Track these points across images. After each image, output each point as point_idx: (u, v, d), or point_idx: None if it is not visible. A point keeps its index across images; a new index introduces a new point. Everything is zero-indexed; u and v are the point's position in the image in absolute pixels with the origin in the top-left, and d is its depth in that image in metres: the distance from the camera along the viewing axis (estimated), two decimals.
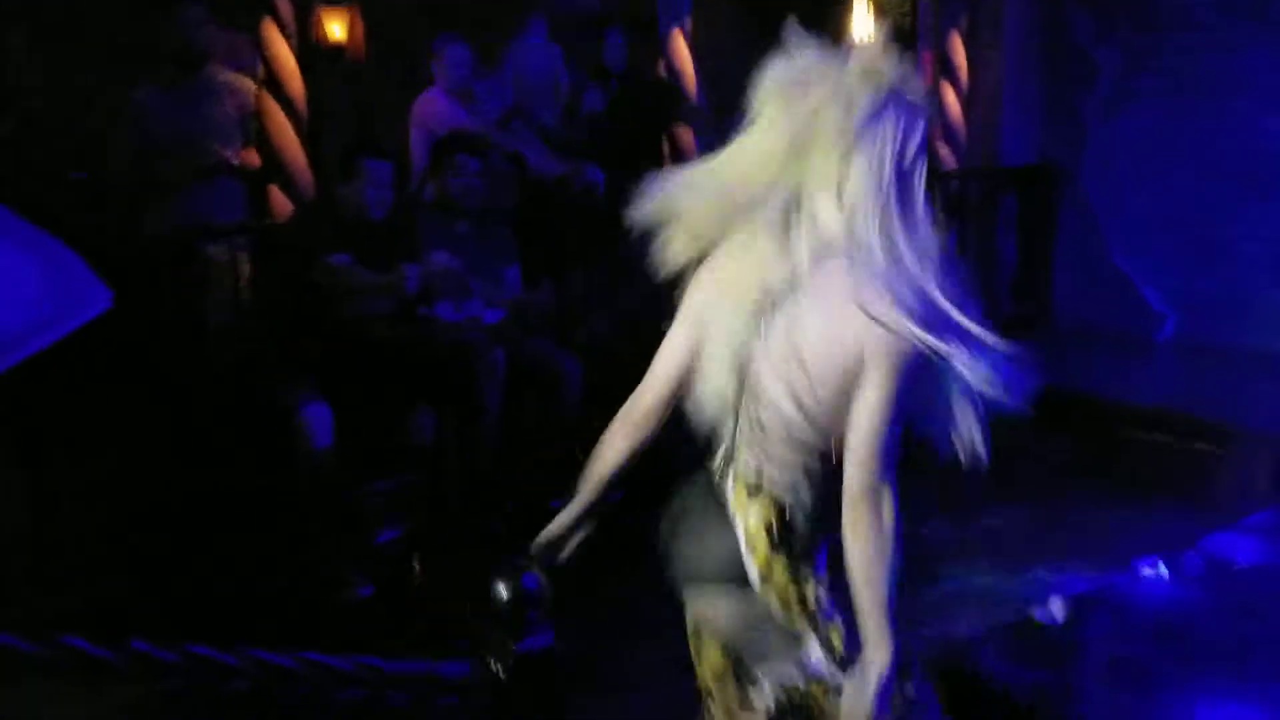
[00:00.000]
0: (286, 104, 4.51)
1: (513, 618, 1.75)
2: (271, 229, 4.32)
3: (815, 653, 1.78)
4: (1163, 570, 3.02)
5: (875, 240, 1.63)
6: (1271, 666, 2.81)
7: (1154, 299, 6.06)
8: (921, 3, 6.55)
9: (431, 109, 4.94)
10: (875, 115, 1.65)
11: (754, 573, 1.77)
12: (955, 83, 6.30)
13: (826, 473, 1.73)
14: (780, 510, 1.76)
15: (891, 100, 1.67)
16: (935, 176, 6.19)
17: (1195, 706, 2.68)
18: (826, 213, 1.66)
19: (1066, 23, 6.48)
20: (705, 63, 5.82)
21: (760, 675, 1.85)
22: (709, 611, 1.86)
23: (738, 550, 1.78)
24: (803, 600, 1.77)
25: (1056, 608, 2.85)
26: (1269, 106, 5.69)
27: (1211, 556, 3.25)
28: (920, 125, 1.69)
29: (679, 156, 5.53)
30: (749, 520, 1.78)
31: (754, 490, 1.78)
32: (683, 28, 5.85)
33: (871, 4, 6.87)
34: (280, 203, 4.43)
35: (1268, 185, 5.72)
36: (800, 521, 1.76)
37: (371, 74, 5.60)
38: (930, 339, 1.62)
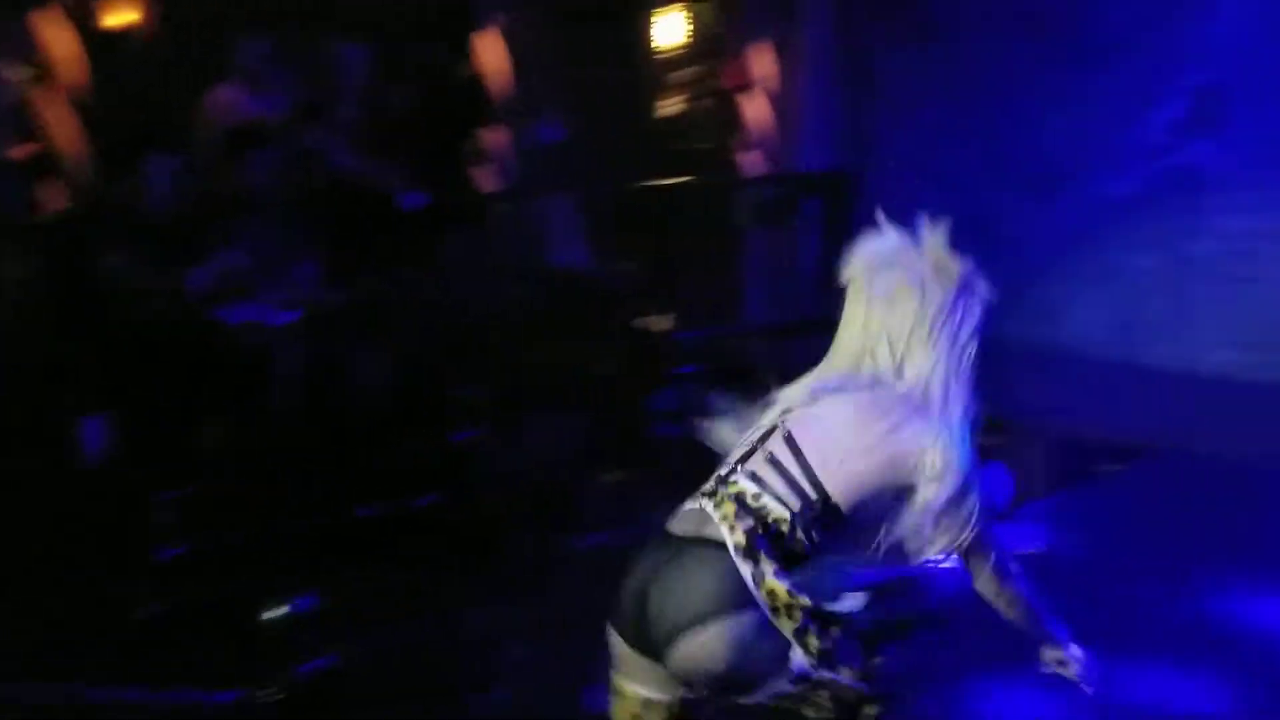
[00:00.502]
0: (65, 94, 4.26)
1: (290, 639, 1.68)
2: (46, 226, 4.06)
3: (798, 657, 1.91)
4: (948, 560, 3.16)
5: (937, 394, 2.04)
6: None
7: None
8: (727, 12, 6.71)
9: (224, 101, 4.75)
10: (948, 306, 2.08)
11: (749, 578, 1.89)
12: (760, 91, 6.47)
13: (815, 516, 1.96)
14: (766, 526, 1.94)
15: (961, 292, 2.10)
16: (740, 183, 6.44)
17: (980, 690, 2.83)
18: (887, 361, 2.07)
19: (859, 31, 6.75)
20: (520, 63, 5.79)
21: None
22: (703, 650, 1.90)
23: (729, 569, 1.90)
24: (789, 605, 1.90)
25: (851, 599, 2.95)
26: (1046, 110, 6.07)
27: None
28: (978, 312, 2.12)
29: (489, 157, 5.49)
30: (737, 532, 1.93)
31: (743, 510, 1.96)
32: (497, 27, 5.80)
33: (684, 11, 7.00)
34: (56, 198, 4.16)
35: (1045, 185, 6.12)
36: (783, 542, 1.95)
37: (160, 63, 5.31)
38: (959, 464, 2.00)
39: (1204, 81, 5.61)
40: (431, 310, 4.70)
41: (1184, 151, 5.73)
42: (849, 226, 7.07)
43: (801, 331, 6.17)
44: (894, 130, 6.52)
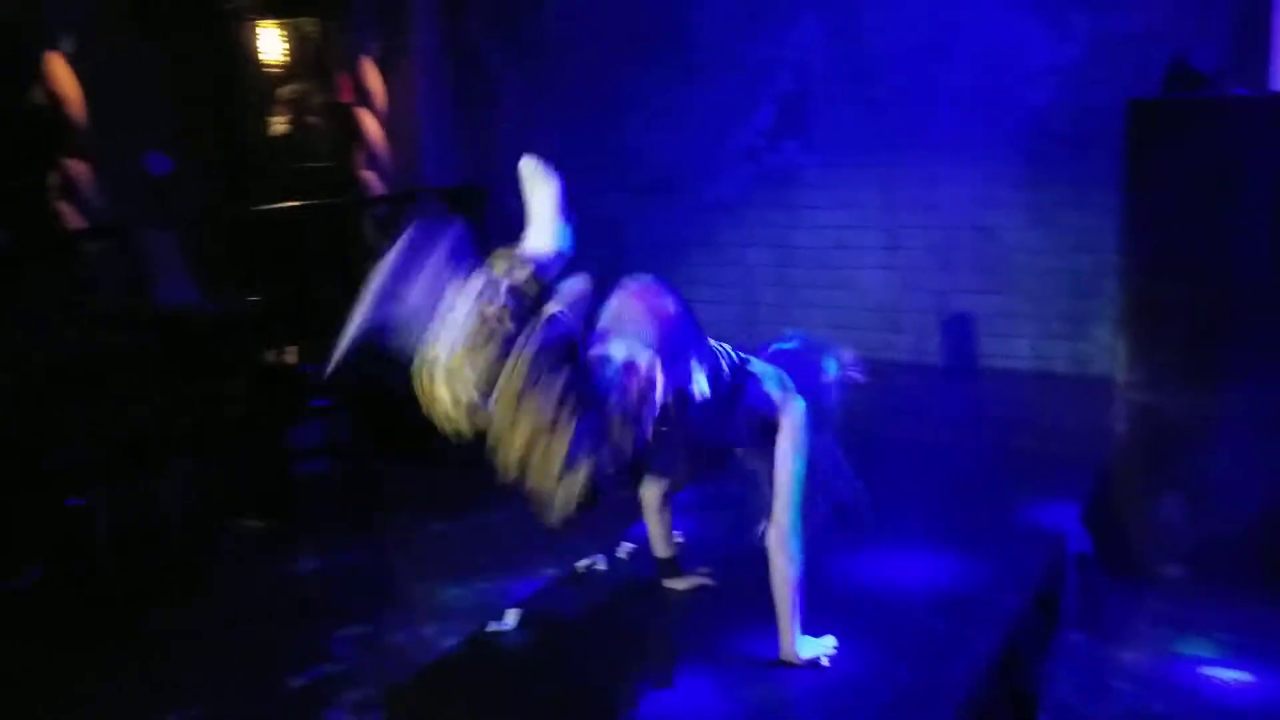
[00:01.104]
0: None
1: None
2: None
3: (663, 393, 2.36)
4: (600, 563, 3.19)
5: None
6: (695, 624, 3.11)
7: None
8: (331, 27, 6.49)
9: None
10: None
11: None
12: (373, 108, 6.32)
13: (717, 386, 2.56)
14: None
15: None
16: (363, 202, 6.24)
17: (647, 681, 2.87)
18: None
19: (473, 51, 6.81)
20: (104, 86, 5.28)
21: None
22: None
23: None
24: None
25: (509, 616, 2.91)
26: (656, 121, 6.41)
27: (641, 540, 3.46)
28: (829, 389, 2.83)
29: (68, 190, 4.96)
30: None
31: None
32: (64, 51, 5.26)
33: (283, 28, 6.68)
34: None
35: (662, 191, 6.45)
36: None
37: None
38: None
39: (788, 89, 6.13)
40: (21, 366, 4.17)
41: (776, 154, 6.24)
42: (480, 241, 7.10)
43: None
44: (519, 143, 6.60)
